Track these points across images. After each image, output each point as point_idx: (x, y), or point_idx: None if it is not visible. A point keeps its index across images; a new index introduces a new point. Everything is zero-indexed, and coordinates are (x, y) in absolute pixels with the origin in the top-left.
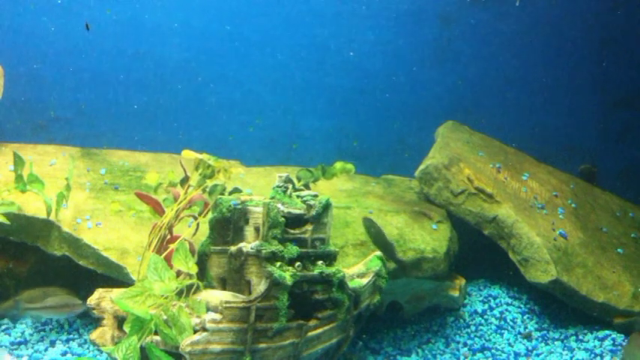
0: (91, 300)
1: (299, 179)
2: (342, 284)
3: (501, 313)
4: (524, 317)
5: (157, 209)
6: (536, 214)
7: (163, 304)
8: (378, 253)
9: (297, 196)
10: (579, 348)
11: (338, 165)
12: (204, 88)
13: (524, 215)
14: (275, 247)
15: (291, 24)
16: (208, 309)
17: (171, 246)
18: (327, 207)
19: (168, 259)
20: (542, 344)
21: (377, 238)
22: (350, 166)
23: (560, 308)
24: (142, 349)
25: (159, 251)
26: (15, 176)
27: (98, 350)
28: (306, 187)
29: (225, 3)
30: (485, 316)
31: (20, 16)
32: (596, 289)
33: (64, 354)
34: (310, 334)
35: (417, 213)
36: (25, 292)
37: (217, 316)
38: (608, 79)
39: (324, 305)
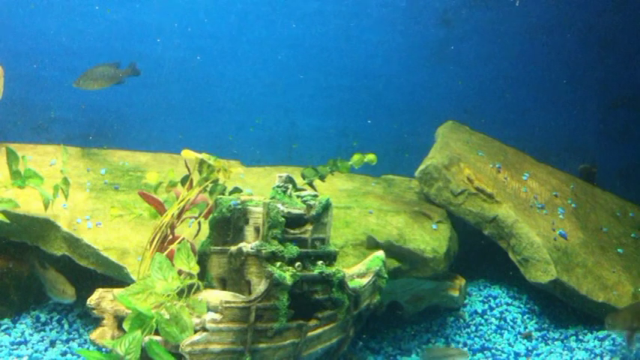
0: (91, 300)
1: (304, 177)
2: (342, 284)
3: (501, 313)
4: (524, 317)
5: (160, 209)
6: (536, 214)
7: (165, 303)
8: (378, 253)
9: (297, 196)
10: (579, 348)
11: (355, 157)
12: (204, 88)
13: (524, 215)
14: (275, 247)
15: (291, 24)
16: (208, 309)
17: (172, 246)
18: (327, 207)
19: (169, 259)
20: (542, 344)
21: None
22: (371, 156)
23: (560, 308)
24: (142, 349)
25: (159, 251)
26: (10, 172)
27: (98, 350)
28: (311, 185)
29: (225, 3)
30: (485, 316)
31: (20, 16)
32: (596, 289)
33: (64, 354)
34: (310, 334)
35: (417, 213)
36: None
37: (217, 316)
38: (608, 79)
39: (324, 305)
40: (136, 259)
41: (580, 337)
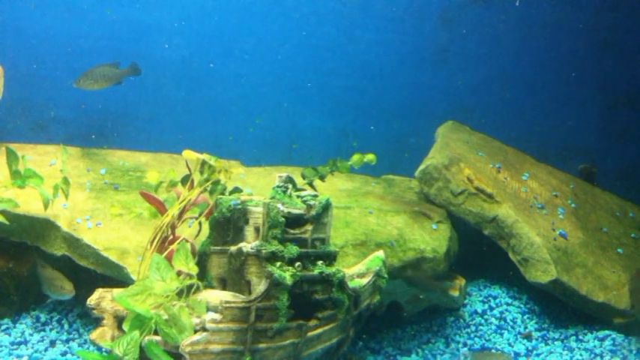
0: (91, 300)
1: (304, 177)
2: (342, 284)
3: (501, 313)
4: (524, 317)
5: (161, 209)
6: (536, 214)
7: (164, 304)
8: (378, 253)
9: (297, 196)
10: (579, 348)
11: (355, 157)
12: (204, 88)
13: (524, 215)
14: (275, 247)
15: (291, 24)
16: (208, 309)
17: (172, 246)
18: (327, 207)
19: (169, 259)
20: (542, 344)
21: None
22: (371, 156)
23: (560, 308)
24: (141, 349)
25: (159, 251)
26: (10, 172)
27: (98, 350)
28: (311, 185)
29: (225, 3)
30: (485, 316)
31: (20, 16)
32: (596, 289)
33: (64, 354)
34: (310, 334)
35: (417, 213)
36: None
37: (217, 316)
38: (608, 79)
39: (324, 305)
40: (136, 259)
41: (580, 337)
